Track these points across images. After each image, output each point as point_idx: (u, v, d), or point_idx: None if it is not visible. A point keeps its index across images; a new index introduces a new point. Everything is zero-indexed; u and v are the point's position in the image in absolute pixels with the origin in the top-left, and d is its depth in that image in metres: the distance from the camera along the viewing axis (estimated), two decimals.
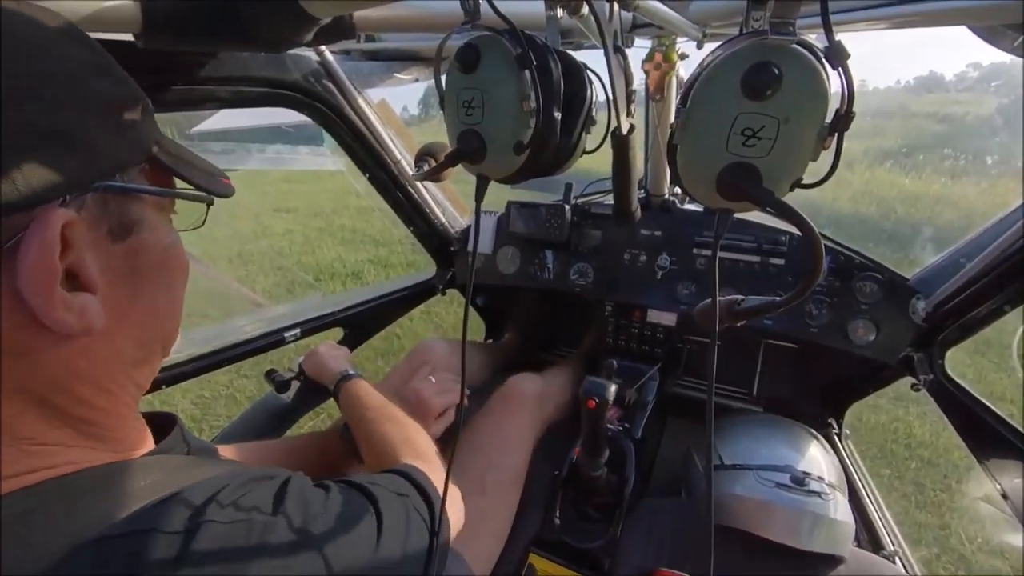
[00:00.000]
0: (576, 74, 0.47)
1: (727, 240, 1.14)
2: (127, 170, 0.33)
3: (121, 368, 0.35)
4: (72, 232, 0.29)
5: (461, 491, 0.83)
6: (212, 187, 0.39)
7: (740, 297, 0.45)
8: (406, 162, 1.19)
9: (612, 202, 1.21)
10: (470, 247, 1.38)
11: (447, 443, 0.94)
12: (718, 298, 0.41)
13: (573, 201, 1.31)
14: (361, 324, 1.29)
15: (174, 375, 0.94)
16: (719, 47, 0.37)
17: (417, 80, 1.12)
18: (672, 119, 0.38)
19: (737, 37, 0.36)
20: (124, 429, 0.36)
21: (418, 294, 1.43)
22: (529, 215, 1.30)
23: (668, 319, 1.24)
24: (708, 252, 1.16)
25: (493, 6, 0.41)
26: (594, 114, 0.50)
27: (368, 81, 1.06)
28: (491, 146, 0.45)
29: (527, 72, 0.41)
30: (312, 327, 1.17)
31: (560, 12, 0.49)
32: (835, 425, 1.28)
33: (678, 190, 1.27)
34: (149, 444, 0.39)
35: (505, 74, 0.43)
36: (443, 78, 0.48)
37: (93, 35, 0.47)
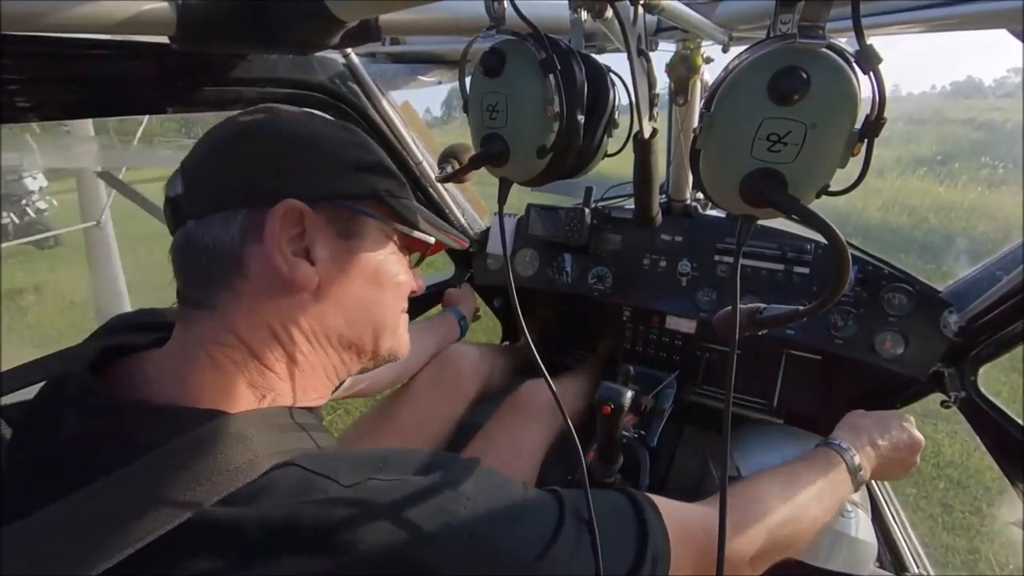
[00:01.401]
0: (599, 77, 0.47)
1: (750, 247, 1.11)
2: (352, 200, 0.46)
3: (325, 333, 0.46)
4: (306, 220, 0.42)
5: None
6: (431, 234, 0.52)
7: (761, 305, 0.44)
8: (428, 163, 1.20)
9: (632, 206, 1.20)
10: (489, 248, 1.39)
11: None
12: (739, 306, 0.40)
13: (593, 205, 1.30)
14: None
15: None
16: (745, 51, 0.36)
17: (440, 83, 1.13)
18: (696, 124, 0.38)
19: (764, 41, 0.35)
20: (312, 385, 0.47)
21: (436, 294, 1.44)
22: (548, 218, 1.30)
23: (687, 326, 1.22)
24: (730, 259, 1.14)
25: (518, 10, 0.41)
26: (616, 117, 0.50)
27: (392, 83, 1.07)
28: (514, 150, 0.46)
29: (551, 76, 0.41)
30: None
31: (584, 15, 0.49)
32: None
33: (700, 195, 1.25)
34: (322, 401, 0.49)
35: (529, 79, 0.43)
36: (467, 81, 0.48)
37: (129, 37, 0.52)
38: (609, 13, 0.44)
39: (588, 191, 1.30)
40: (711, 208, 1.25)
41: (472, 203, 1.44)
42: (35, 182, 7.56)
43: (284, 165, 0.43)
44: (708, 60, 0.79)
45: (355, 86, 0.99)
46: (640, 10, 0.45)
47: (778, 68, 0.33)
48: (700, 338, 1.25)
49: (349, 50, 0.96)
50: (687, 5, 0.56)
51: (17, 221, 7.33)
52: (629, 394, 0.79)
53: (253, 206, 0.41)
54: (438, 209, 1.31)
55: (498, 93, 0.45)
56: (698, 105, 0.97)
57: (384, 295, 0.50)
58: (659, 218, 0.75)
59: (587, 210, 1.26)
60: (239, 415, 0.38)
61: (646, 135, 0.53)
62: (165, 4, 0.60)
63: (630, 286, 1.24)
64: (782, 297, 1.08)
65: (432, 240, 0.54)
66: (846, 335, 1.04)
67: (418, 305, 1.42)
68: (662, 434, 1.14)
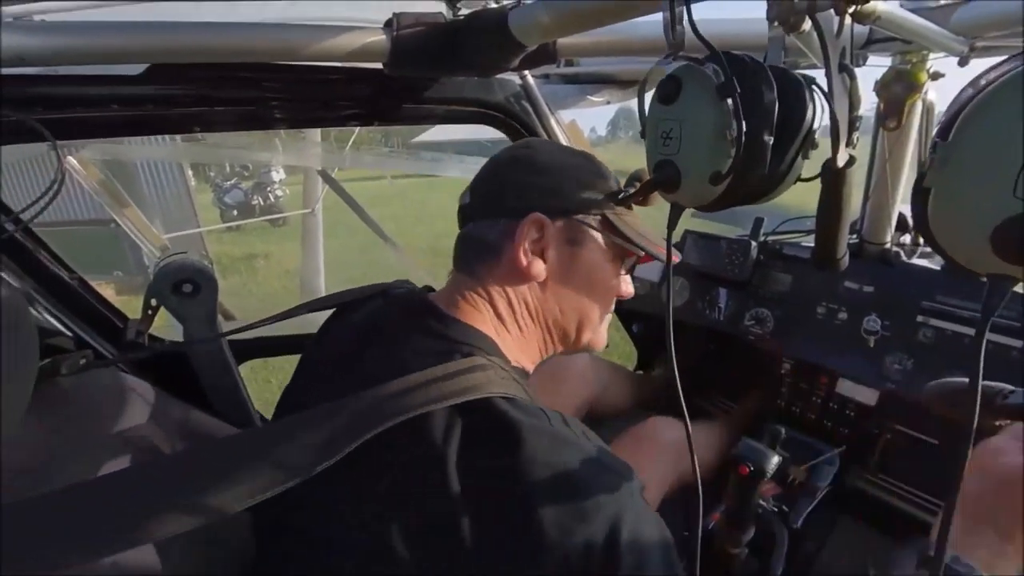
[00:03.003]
0: (794, 94, 0.42)
1: (968, 312, 0.88)
2: (582, 215, 0.59)
3: (543, 315, 0.60)
4: (545, 229, 0.57)
5: None
6: (646, 248, 0.62)
7: (1007, 387, 0.34)
8: None
9: (811, 244, 1.05)
10: (636, 271, 1.34)
11: None
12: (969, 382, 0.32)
13: (762, 238, 1.17)
14: None
15: None
16: (1004, 62, 0.28)
17: (609, 103, 1.13)
18: (909, 153, 0.31)
19: None
20: (526, 352, 0.61)
21: None
22: (707, 247, 1.21)
23: (866, 396, 1.01)
24: (939, 322, 0.92)
25: (697, 32, 0.39)
26: (816, 137, 0.45)
27: (562, 103, 1.11)
28: (686, 177, 0.45)
29: (729, 101, 0.39)
30: None
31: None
32: None
33: (905, 239, 1.03)
34: (531, 367, 0.63)
35: (704, 105, 0.41)
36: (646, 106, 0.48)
37: (349, 64, 0.67)
38: (807, 25, 0.39)
39: (757, 222, 1.18)
40: (918, 257, 1.02)
41: None
42: (277, 175, 9.75)
43: (535, 187, 0.58)
44: (936, 76, 0.65)
45: (527, 105, 1.06)
46: (847, 20, 0.38)
47: None
48: (882, 413, 1.02)
49: (526, 72, 1.02)
50: (912, 11, 0.46)
51: (262, 203, 9.54)
52: (775, 459, 0.69)
53: (510, 216, 0.57)
54: None
55: (672, 120, 0.44)
56: (915, 130, 0.81)
57: (594, 295, 0.62)
58: (845, 261, 0.63)
59: (754, 243, 1.14)
60: (481, 353, 0.52)
61: (839, 164, 0.46)
62: (383, 37, 0.72)
63: (796, 335, 1.08)
64: (1015, 382, 0.83)
65: (641, 253, 0.63)
66: None
67: None
68: (810, 517, 0.96)
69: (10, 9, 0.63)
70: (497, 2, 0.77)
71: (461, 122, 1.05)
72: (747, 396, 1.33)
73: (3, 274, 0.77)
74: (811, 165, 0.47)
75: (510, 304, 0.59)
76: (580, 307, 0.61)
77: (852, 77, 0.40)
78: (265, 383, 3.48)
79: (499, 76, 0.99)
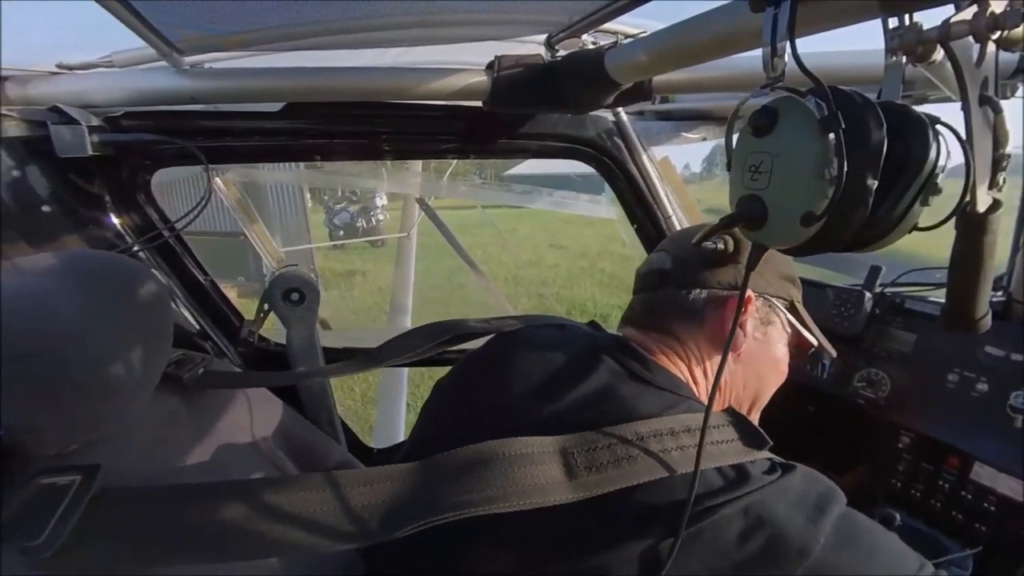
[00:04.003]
0: (913, 132, 0.37)
1: None
2: (776, 299, 0.65)
3: (728, 388, 0.63)
4: (750, 305, 0.61)
5: None
6: (821, 341, 0.69)
7: None
8: (676, 218, 1.18)
9: (942, 300, 0.91)
10: None
11: None
12: None
13: (879, 289, 1.04)
14: None
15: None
16: None
17: (705, 139, 1.10)
18: None
19: None
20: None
21: None
22: (810, 295, 1.08)
23: (1012, 488, 0.83)
24: None
25: (801, 65, 0.36)
26: (940, 182, 0.39)
27: (656, 139, 1.10)
28: (773, 214, 0.41)
29: (831, 136, 0.35)
30: None
31: (903, 59, 0.40)
32: None
33: None
34: None
35: (802, 138, 0.37)
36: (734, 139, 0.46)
37: (450, 102, 0.71)
38: (939, 54, 0.34)
39: (873, 271, 1.05)
40: None
41: None
42: (381, 200, 10.65)
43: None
44: None
45: (620, 141, 1.06)
46: (990, 48, 0.33)
47: None
48: None
49: (620, 109, 1.03)
50: None
51: (365, 225, 10.48)
52: None
53: (719, 288, 0.61)
54: None
55: (764, 153, 0.41)
56: None
57: (771, 375, 0.66)
58: (986, 323, 0.53)
59: (868, 294, 1.02)
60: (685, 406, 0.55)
61: (980, 208, 0.40)
62: (484, 77, 0.77)
63: (918, 404, 0.93)
64: None
65: (815, 343, 0.68)
66: None
67: None
68: None
69: (188, 59, 0.77)
70: (594, 43, 0.79)
71: (553, 157, 1.08)
72: (853, 470, 1.16)
73: (155, 271, 0.92)
74: (935, 214, 0.41)
75: (704, 369, 0.62)
76: (759, 384, 0.65)
77: (997, 111, 0.35)
78: (349, 391, 3.71)
79: (592, 113, 1.01)
